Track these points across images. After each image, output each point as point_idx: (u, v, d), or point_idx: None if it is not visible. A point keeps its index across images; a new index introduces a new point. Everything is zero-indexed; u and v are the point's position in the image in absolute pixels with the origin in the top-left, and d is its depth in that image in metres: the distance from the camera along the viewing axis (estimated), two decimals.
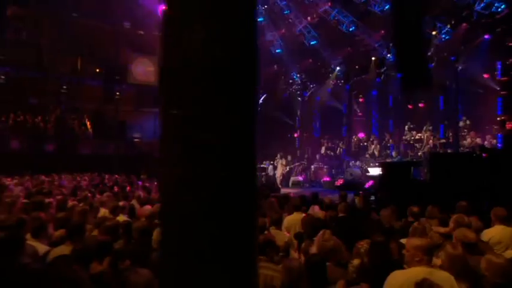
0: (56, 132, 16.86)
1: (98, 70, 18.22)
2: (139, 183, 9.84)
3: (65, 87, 16.57)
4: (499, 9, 8.66)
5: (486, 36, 9.05)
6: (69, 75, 16.91)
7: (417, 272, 2.03)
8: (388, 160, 11.18)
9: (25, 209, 4.84)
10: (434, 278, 1.86)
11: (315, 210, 4.76)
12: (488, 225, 3.82)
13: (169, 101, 0.92)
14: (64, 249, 2.90)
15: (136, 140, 19.12)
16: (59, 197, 6.31)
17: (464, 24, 9.26)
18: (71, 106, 17.45)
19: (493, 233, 3.22)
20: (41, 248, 3.26)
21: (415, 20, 6.21)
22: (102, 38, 16.97)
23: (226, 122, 0.87)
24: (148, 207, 4.85)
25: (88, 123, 18.12)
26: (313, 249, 2.87)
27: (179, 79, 0.90)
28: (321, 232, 3.19)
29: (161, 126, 0.96)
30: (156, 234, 3.12)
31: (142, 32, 17.34)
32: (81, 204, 5.53)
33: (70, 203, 5.33)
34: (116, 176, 13.27)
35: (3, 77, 14.10)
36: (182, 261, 0.85)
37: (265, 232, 3.25)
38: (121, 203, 5.11)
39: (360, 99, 16.51)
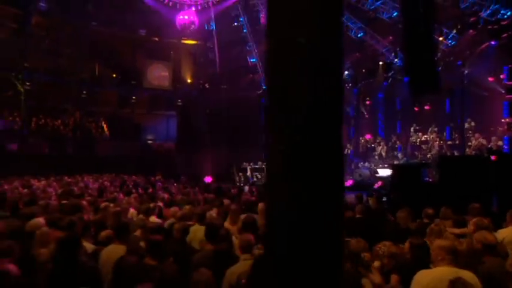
0: (75, 134, 17.29)
1: (114, 75, 18.62)
2: (159, 184, 10.09)
3: (84, 92, 16.95)
4: (505, 16, 8.71)
5: (492, 42, 9.10)
6: (88, 80, 17.31)
7: (443, 271, 2.19)
8: (396, 162, 11.28)
9: (62, 210, 5.11)
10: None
11: None
12: (497, 225, 3.97)
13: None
14: (117, 248, 3.09)
15: (149, 141, 19.52)
16: (88, 198, 6.59)
17: (471, 31, 9.34)
18: (88, 110, 17.87)
19: (507, 233, 3.37)
20: (89, 247, 3.52)
21: (425, 26, 6.35)
22: (119, 45, 17.38)
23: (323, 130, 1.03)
24: (176, 208, 4.99)
25: (105, 125, 18.53)
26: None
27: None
28: None
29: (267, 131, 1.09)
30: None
31: (157, 39, 17.70)
32: (111, 205, 5.80)
33: (102, 205, 5.59)
34: (135, 177, 13.57)
35: (28, 83, 14.47)
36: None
37: None
38: (151, 205, 5.40)
39: (367, 102, 16.62)
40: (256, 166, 15.22)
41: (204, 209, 4.25)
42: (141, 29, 17.00)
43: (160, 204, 5.79)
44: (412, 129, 13.29)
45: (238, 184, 14.12)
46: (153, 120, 20.06)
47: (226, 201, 5.28)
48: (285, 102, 1.04)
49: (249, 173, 14.93)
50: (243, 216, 3.90)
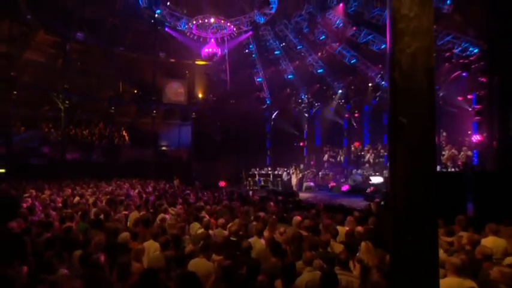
0: (101, 143, 17.58)
1: (135, 91, 19.01)
2: (187, 192, 9.93)
3: (113, 108, 17.29)
4: (473, 52, 9.50)
5: (464, 74, 9.88)
6: (113, 96, 17.66)
7: (450, 282, 2.53)
8: (385, 171, 11.95)
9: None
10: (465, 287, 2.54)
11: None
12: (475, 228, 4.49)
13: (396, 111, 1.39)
14: (202, 262, 3.27)
15: (164, 148, 19.82)
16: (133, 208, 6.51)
17: (446, 64, 10.10)
18: (110, 120, 18.18)
19: (488, 242, 3.95)
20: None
21: None
22: (142, 66, 17.80)
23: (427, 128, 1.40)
24: (222, 220, 5.01)
25: (125, 134, 18.84)
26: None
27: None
28: (363, 244, 3.83)
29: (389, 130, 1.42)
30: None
31: (174, 60, 18.14)
32: (167, 216, 6.04)
33: (159, 217, 5.40)
34: (164, 184, 13.62)
35: (67, 102, 14.79)
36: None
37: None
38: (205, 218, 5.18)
39: (356, 115, 17.38)
40: (262, 172, 15.79)
41: (258, 226, 4.43)
42: (160, 52, 17.42)
43: (206, 215, 5.87)
44: None
45: (248, 188, 14.67)
46: (167, 129, 20.35)
47: (262, 215, 5.47)
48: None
49: (257, 177, 15.49)
50: (290, 230, 4.33)
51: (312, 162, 16.85)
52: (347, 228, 4.62)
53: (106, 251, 3.77)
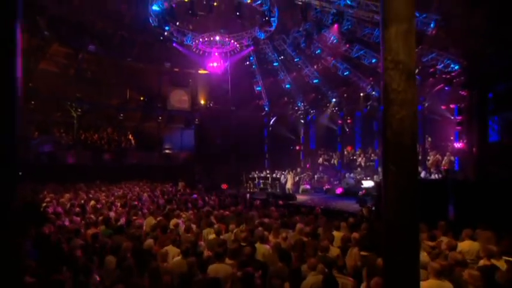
0: (109, 146, 17.75)
1: (142, 98, 19.22)
2: (194, 196, 10.05)
3: (121, 115, 17.47)
4: (454, 69, 9.97)
5: (446, 88, 10.35)
6: (121, 103, 17.87)
7: (431, 284, 2.82)
8: (376, 175, 12.36)
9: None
10: None
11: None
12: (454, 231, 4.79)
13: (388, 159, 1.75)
14: (220, 267, 3.48)
15: (167, 151, 19.98)
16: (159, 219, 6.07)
17: (431, 79, 10.57)
18: (118, 125, 18.36)
19: (464, 246, 4.34)
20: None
21: None
22: (148, 75, 18.02)
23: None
24: (231, 226, 5.23)
25: (131, 137, 19.02)
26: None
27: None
28: (350, 249, 4.12)
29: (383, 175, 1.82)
30: None
31: (178, 70, 18.40)
32: (180, 221, 6.27)
33: (172, 222, 5.61)
34: (170, 187, 13.78)
35: (80, 110, 14.97)
36: None
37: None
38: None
39: (348, 121, 17.82)
40: (261, 175, 16.12)
41: (263, 232, 4.66)
42: (166, 62, 17.67)
43: (212, 219, 6.04)
44: None
45: (248, 190, 14.98)
46: (170, 132, 20.52)
47: (267, 220, 5.75)
48: None
49: (256, 180, 15.79)
50: (292, 236, 4.65)
51: (307, 165, 17.24)
52: (342, 234, 4.95)
53: (134, 256, 4.06)
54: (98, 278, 3.38)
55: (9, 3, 1.27)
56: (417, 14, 8.97)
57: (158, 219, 6.02)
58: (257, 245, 4.37)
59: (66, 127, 16.27)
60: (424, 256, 4.04)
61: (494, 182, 6.61)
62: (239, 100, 17.49)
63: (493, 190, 6.50)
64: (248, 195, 11.28)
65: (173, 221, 5.97)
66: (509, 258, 4.20)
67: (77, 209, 7.40)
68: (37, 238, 4.77)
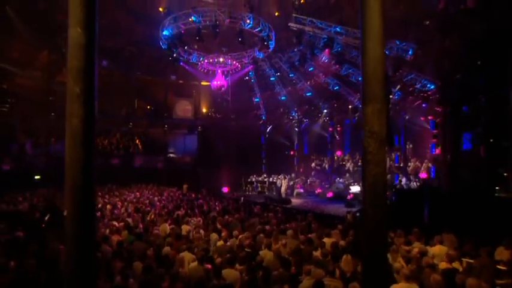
0: (119, 151, 18.01)
1: (148, 107, 19.56)
2: (200, 201, 10.10)
3: (131, 123, 17.77)
4: (431, 88, 10.60)
5: (424, 105, 10.98)
6: (130, 112, 18.16)
7: (400, 287, 3.19)
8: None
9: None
10: None
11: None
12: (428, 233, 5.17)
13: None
14: (231, 272, 3.69)
15: (171, 156, 20.18)
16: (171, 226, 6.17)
17: (410, 97, 11.19)
18: (127, 132, 18.64)
19: (434, 250, 4.68)
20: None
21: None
22: (156, 87, 18.42)
23: None
24: (236, 233, 5.41)
25: (139, 143, 19.30)
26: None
27: None
28: (344, 256, 4.39)
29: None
30: None
31: (182, 82, 18.82)
32: (189, 227, 6.54)
33: (185, 228, 5.84)
34: (177, 190, 13.93)
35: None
36: None
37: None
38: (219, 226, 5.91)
39: (338, 128, 18.39)
40: (259, 179, 16.54)
41: (267, 240, 4.96)
42: (171, 75, 18.05)
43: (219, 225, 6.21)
44: None
45: (247, 193, 15.41)
46: (173, 137, 20.78)
47: (267, 228, 5.96)
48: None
49: (254, 184, 16.17)
50: (290, 243, 5.03)
51: (301, 170, 17.76)
52: (333, 240, 5.34)
53: (156, 261, 4.39)
54: (133, 282, 3.63)
55: None
56: (398, 43, 9.56)
57: (171, 226, 6.18)
58: (263, 252, 4.57)
59: None
60: (399, 261, 4.52)
61: (463, 191, 7.13)
62: (239, 110, 17.96)
63: (462, 198, 7.05)
64: (243, 198, 11.67)
65: (185, 228, 6.18)
66: (470, 260, 4.69)
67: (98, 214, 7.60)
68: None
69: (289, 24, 10.00)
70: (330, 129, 17.03)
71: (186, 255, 4.44)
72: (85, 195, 1.73)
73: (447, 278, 3.69)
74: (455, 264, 4.34)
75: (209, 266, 4.03)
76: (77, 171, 1.72)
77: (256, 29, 10.32)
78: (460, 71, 9.31)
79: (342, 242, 5.06)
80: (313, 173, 16.51)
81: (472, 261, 4.47)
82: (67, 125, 1.73)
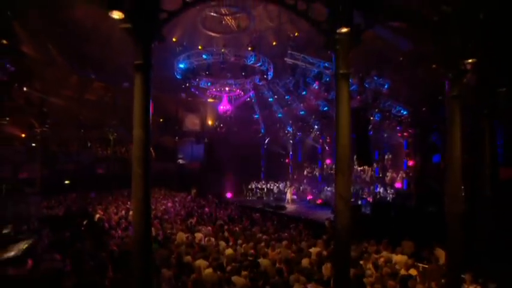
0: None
1: (161, 120, 20.22)
2: (207, 209, 10.40)
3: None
4: (404, 113, 11.45)
5: (398, 127, 11.84)
6: None
7: None
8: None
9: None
10: None
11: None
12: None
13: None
14: (241, 280, 3.93)
15: (180, 161, 20.76)
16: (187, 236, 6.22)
17: (387, 121, 12.02)
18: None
19: (397, 258, 5.31)
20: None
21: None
22: (168, 103, 19.10)
23: None
24: (240, 241, 5.71)
25: (152, 151, 19.85)
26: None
27: None
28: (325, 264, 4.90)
29: None
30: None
31: (191, 99, 19.54)
32: (201, 237, 6.91)
33: (198, 237, 6.21)
34: (187, 195, 14.45)
35: (115, 134, 16.01)
36: None
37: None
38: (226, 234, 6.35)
39: (328, 140, 19.15)
40: (258, 185, 17.06)
41: (265, 249, 5.45)
42: (182, 92, 18.74)
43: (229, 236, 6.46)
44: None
45: (248, 198, 16.07)
46: (182, 144, 21.28)
47: (266, 237, 6.48)
48: None
49: (254, 190, 16.73)
50: (283, 252, 5.53)
51: (295, 177, 18.55)
52: (318, 250, 5.70)
53: (177, 268, 4.84)
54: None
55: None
56: (375, 78, 10.39)
57: (187, 235, 6.46)
58: (261, 260, 4.93)
59: (101, 142, 17.32)
60: (369, 268, 5.14)
61: (426, 210, 7.71)
62: (241, 124, 18.75)
63: (425, 214, 7.73)
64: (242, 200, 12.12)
65: (198, 236, 6.58)
66: (426, 265, 5.24)
67: (125, 222, 7.86)
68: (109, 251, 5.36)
69: (285, 59, 10.82)
70: (321, 141, 17.81)
71: (202, 262, 4.70)
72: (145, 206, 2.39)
73: (402, 284, 4.36)
74: (411, 271, 5.00)
75: (222, 273, 4.35)
76: None
77: (258, 64, 11.15)
78: (427, 102, 10.10)
79: (324, 252, 5.63)
80: (305, 181, 17.26)
81: (426, 266, 5.12)
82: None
